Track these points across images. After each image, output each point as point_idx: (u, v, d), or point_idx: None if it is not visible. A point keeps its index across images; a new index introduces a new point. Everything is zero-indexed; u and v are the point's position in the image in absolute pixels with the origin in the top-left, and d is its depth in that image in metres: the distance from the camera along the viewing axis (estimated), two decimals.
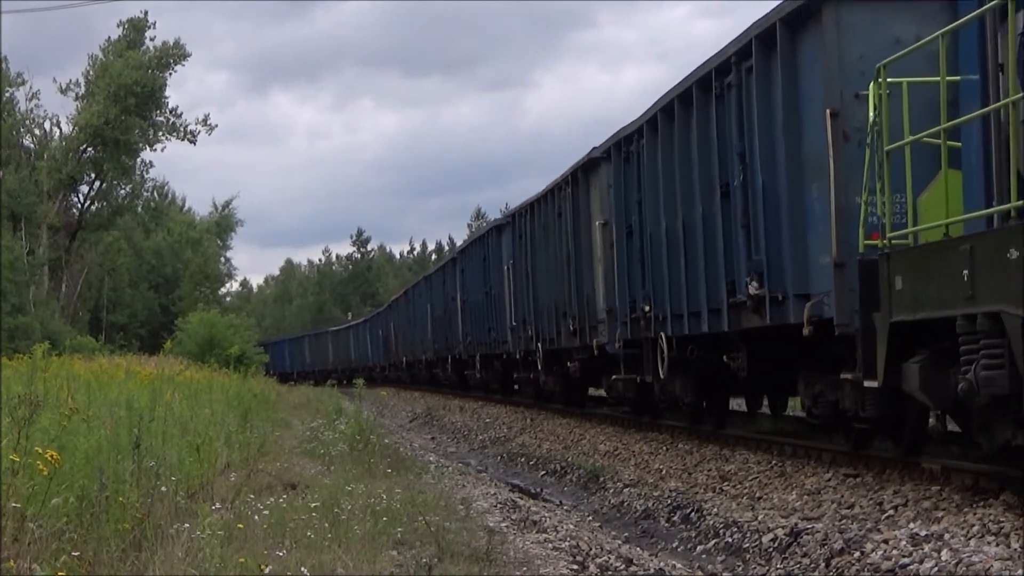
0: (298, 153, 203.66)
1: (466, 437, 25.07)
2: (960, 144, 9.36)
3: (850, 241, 10.86)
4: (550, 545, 9.13)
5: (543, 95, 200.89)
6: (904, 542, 8.23)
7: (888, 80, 9.88)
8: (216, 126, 65.38)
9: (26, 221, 58.14)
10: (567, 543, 9.33)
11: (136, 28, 60.77)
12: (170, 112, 61.38)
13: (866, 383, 10.31)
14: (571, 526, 10.89)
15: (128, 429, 9.35)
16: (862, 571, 8.05)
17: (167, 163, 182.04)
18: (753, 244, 13.16)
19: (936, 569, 7.55)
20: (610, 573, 8.55)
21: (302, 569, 6.81)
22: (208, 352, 38.40)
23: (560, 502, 14.14)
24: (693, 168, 14.97)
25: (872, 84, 10.14)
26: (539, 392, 25.91)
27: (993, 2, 8.40)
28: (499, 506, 11.59)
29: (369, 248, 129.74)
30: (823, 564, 8.54)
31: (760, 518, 10.26)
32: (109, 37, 61.44)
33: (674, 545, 10.80)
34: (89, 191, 64.13)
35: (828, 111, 11.28)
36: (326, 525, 8.33)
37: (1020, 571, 7.17)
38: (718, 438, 15.53)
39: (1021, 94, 7.95)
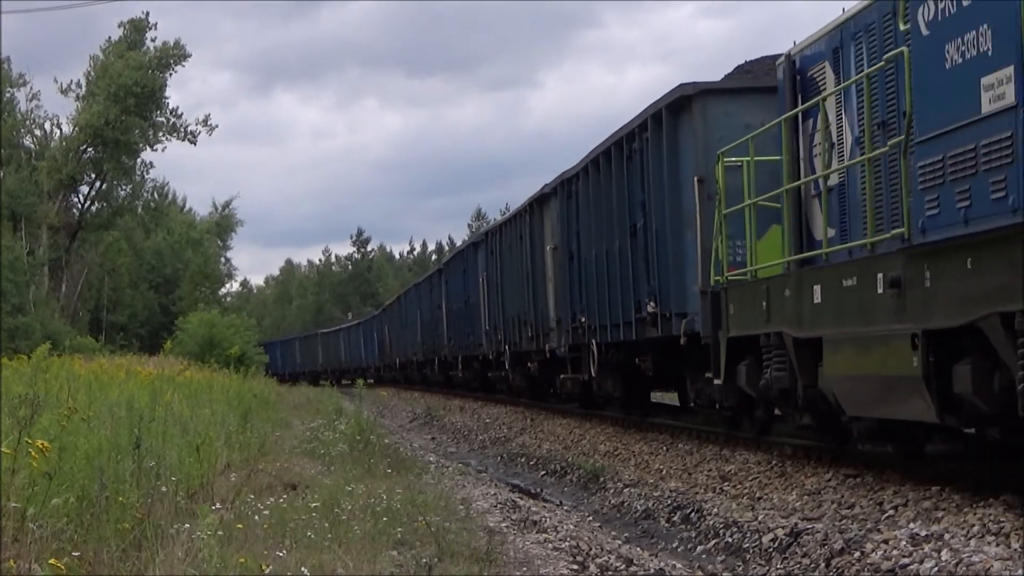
0: (301, 153, 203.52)
1: (466, 437, 25.07)
2: (780, 206, 12.46)
3: (710, 275, 14.06)
4: (550, 545, 9.14)
5: (547, 95, 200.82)
6: (904, 542, 8.23)
7: (733, 159, 13.33)
8: (216, 126, 65.52)
9: (26, 221, 58.16)
10: (567, 543, 9.33)
11: (137, 29, 60.77)
12: (170, 112, 61.45)
13: (715, 381, 13.70)
14: (571, 526, 10.89)
15: (128, 429, 9.35)
16: (862, 571, 8.05)
17: (170, 163, 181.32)
18: (651, 273, 16.84)
19: (936, 569, 7.55)
20: (610, 573, 8.55)
21: (302, 569, 6.82)
22: (208, 352, 38.40)
23: (560, 502, 14.14)
24: (613, 210, 18.78)
25: (718, 164, 13.57)
26: (510, 388, 29.35)
27: (790, 112, 12.03)
28: (499, 506, 11.59)
29: (369, 248, 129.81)
30: (823, 564, 8.54)
31: (760, 518, 10.26)
32: (109, 37, 61.55)
33: (674, 545, 10.80)
34: (89, 191, 64.23)
35: (696, 178, 15.06)
36: (326, 525, 8.33)
37: (1020, 571, 7.17)
38: (718, 438, 15.57)
39: (799, 181, 11.78)
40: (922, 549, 8.01)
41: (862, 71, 10.46)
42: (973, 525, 8.44)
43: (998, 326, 8.09)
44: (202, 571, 6.47)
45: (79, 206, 64.47)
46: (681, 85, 15.56)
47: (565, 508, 13.43)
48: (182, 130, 61.45)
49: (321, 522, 8.42)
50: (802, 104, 11.86)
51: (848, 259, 10.61)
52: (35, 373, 13.65)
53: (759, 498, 11.36)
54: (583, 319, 20.64)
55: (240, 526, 7.79)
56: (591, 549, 9.30)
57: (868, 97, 10.28)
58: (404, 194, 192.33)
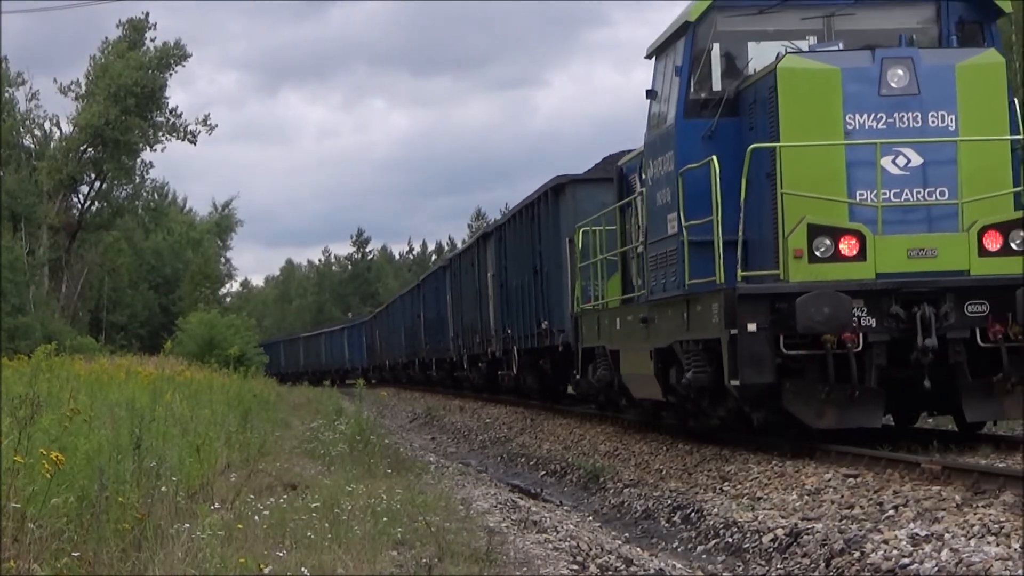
0: (307, 153, 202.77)
1: (466, 437, 25.08)
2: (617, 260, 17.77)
3: (574, 305, 19.94)
4: (550, 545, 9.14)
5: (554, 94, 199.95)
6: (904, 542, 8.24)
7: (589, 228, 18.73)
8: (216, 126, 65.16)
9: (26, 221, 58.12)
10: (567, 543, 9.34)
11: (136, 29, 60.71)
12: (170, 112, 61.40)
13: (577, 377, 19.85)
14: (571, 526, 10.89)
15: (129, 429, 9.36)
16: (862, 571, 8.06)
17: (175, 163, 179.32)
18: (544, 300, 23.87)
19: (936, 569, 7.56)
20: (610, 573, 8.56)
21: (302, 569, 6.82)
22: (208, 352, 38.37)
23: (560, 502, 14.15)
24: (525, 254, 25.96)
25: (577, 233, 19.31)
26: (470, 383, 35.40)
27: (617, 204, 17.66)
28: (499, 506, 11.59)
29: (369, 248, 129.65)
30: (823, 564, 8.55)
31: (760, 518, 10.26)
32: (107, 37, 61.49)
33: (674, 545, 10.81)
34: (89, 191, 64.14)
35: (568, 239, 21.10)
36: (326, 525, 8.34)
37: (1020, 571, 7.18)
38: (719, 439, 15.57)
39: (623, 248, 17.35)
40: (922, 549, 8.01)
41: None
42: (973, 525, 8.44)
43: (678, 348, 13.89)
44: (202, 571, 6.48)
45: (79, 206, 64.42)
46: (558, 176, 23.43)
47: (565, 508, 13.43)
48: (182, 130, 61.45)
49: (321, 522, 8.42)
50: (625, 198, 17.36)
51: (630, 304, 16.53)
52: (36, 373, 13.64)
53: (759, 498, 11.35)
54: (509, 330, 27.30)
55: (240, 526, 7.79)
56: (591, 549, 9.30)
57: (636, 211, 16.36)
58: (410, 194, 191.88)
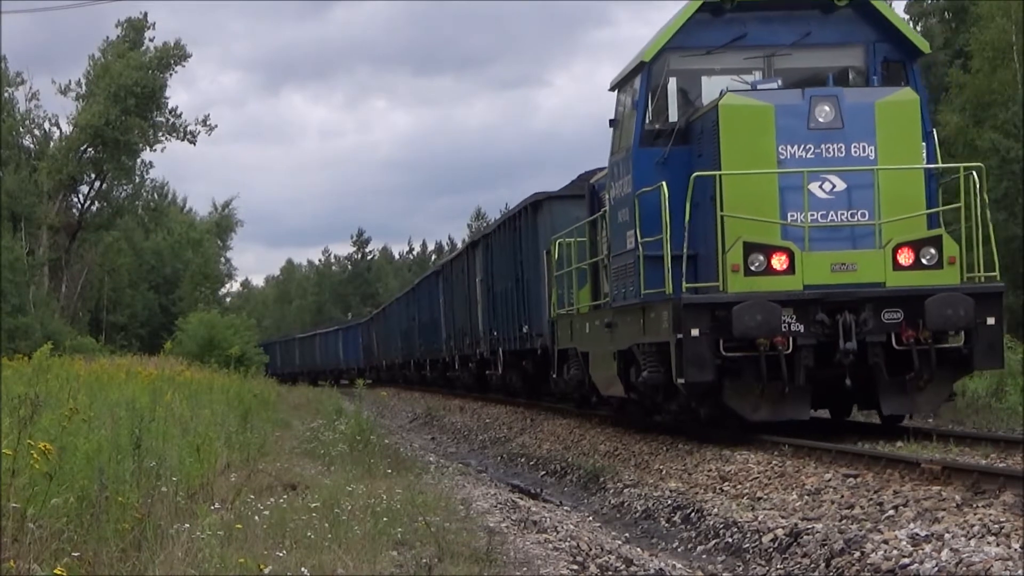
0: (310, 153, 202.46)
1: (466, 437, 25.08)
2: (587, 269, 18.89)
3: (551, 311, 21.63)
4: (550, 545, 9.14)
5: (557, 93, 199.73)
6: (904, 542, 8.24)
7: (564, 240, 20.06)
8: (215, 126, 64.96)
9: (26, 221, 58.07)
10: (567, 543, 9.34)
11: (135, 28, 60.65)
12: (170, 112, 61.35)
13: (553, 376, 21.56)
14: (571, 526, 10.89)
15: (129, 429, 9.35)
16: (862, 571, 8.06)
17: (175, 163, 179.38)
18: (525, 307, 25.69)
19: (936, 569, 7.56)
20: (610, 573, 8.56)
21: (302, 569, 6.82)
22: (208, 352, 38.37)
23: (560, 502, 14.14)
24: (509, 263, 27.88)
25: (553, 244, 20.82)
26: (462, 383, 37.35)
27: (589, 218, 18.67)
28: (499, 506, 11.59)
29: (369, 249, 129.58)
30: (823, 564, 8.55)
31: (760, 518, 10.26)
32: (107, 37, 61.41)
33: (674, 545, 10.81)
34: (89, 191, 64.06)
35: (545, 251, 22.88)
36: (326, 525, 8.34)
37: (1020, 571, 7.19)
38: (720, 439, 15.58)
39: (594, 258, 18.23)
40: (922, 549, 8.01)
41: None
42: (973, 525, 8.44)
43: (636, 350, 15.33)
44: (202, 571, 6.48)
45: (79, 206, 64.33)
46: (536, 193, 25.49)
47: (565, 508, 13.43)
48: (181, 130, 61.40)
49: (321, 522, 8.42)
50: (595, 213, 18.34)
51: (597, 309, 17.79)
52: (36, 373, 13.64)
53: (759, 498, 11.35)
54: (495, 333, 29.17)
55: (240, 526, 7.79)
56: (591, 549, 9.30)
57: (601, 226, 17.56)
58: (411, 194, 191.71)
